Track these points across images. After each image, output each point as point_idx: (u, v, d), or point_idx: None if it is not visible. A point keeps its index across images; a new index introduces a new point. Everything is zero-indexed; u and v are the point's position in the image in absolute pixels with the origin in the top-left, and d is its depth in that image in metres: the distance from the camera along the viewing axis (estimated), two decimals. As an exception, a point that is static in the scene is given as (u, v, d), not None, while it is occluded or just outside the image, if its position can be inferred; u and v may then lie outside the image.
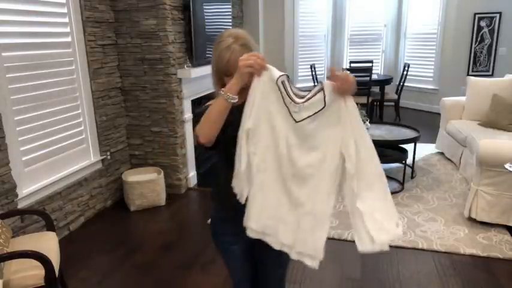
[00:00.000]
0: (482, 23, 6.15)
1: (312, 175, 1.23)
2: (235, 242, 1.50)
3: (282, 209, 1.28)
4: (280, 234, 1.29)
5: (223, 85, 1.31)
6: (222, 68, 1.31)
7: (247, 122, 1.23)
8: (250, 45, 1.33)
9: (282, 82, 1.21)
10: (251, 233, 1.31)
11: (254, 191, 1.27)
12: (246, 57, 1.20)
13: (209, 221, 1.69)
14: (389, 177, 4.03)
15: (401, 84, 6.24)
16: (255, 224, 1.29)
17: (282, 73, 1.21)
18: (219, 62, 1.32)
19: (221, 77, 1.34)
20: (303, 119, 1.21)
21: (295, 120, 1.21)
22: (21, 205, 2.69)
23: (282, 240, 1.30)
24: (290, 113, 1.22)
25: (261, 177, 1.25)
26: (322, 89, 1.18)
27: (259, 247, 1.49)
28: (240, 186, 1.28)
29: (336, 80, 1.16)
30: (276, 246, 1.31)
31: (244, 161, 1.24)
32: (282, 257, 1.50)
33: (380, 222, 1.21)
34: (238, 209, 1.38)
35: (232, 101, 1.23)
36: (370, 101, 5.73)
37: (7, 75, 2.59)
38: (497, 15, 6.03)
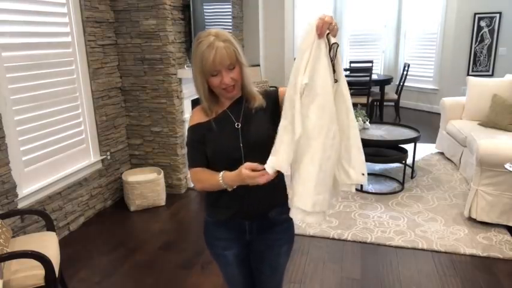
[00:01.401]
0: (482, 23, 6.15)
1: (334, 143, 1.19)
2: (229, 247, 1.46)
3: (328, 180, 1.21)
4: (326, 207, 1.22)
5: (209, 87, 1.30)
6: (208, 68, 1.25)
7: (303, 77, 1.11)
8: (233, 41, 1.28)
9: (334, 47, 1.13)
10: (308, 218, 1.20)
11: (305, 163, 1.16)
12: (250, 175, 1.18)
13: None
14: (390, 177, 4.03)
15: (401, 84, 6.24)
16: (311, 205, 1.17)
17: (336, 41, 1.13)
18: (204, 62, 1.25)
19: (206, 78, 1.28)
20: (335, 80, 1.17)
21: (336, 80, 1.17)
22: (21, 205, 2.69)
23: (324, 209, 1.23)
24: (333, 74, 1.15)
25: (311, 144, 1.14)
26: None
27: (255, 254, 1.47)
28: (288, 158, 1.16)
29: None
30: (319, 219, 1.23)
31: (300, 125, 1.12)
32: (279, 263, 1.49)
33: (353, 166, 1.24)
34: (233, 213, 1.38)
35: (229, 189, 1.27)
36: (370, 101, 5.73)
37: (7, 75, 2.59)
38: (497, 15, 6.03)
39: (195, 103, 3.99)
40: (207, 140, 1.34)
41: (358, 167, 1.22)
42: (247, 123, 1.34)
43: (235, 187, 1.26)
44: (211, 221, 1.47)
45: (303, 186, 1.17)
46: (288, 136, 1.15)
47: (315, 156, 1.14)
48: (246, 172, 1.18)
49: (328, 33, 1.11)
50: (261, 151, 1.23)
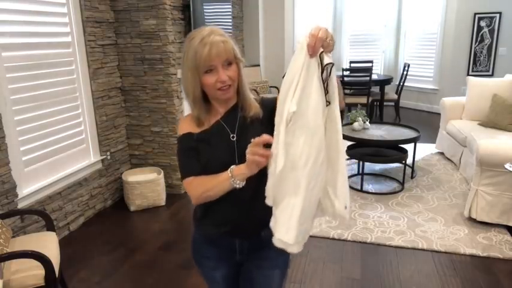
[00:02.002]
0: (482, 23, 6.15)
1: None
2: (218, 267, 1.37)
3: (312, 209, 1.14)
4: (308, 234, 1.17)
5: (201, 87, 1.18)
6: (202, 63, 1.13)
7: (290, 104, 1.02)
8: (229, 38, 1.18)
9: (327, 68, 1.02)
10: (290, 248, 1.10)
11: (289, 194, 1.07)
12: (253, 151, 1.05)
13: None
14: (390, 177, 4.03)
15: (401, 84, 6.24)
16: (294, 238, 1.08)
17: (330, 61, 1.01)
18: (198, 56, 1.12)
19: (199, 77, 1.16)
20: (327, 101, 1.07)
21: (328, 102, 1.06)
22: (21, 205, 2.69)
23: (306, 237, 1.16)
24: (325, 96, 1.05)
25: (297, 175, 1.05)
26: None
27: (245, 276, 1.38)
28: (273, 190, 1.10)
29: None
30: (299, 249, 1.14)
31: (282, 159, 1.04)
32: (272, 284, 1.36)
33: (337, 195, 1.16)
34: (224, 230, 1.29)
35: (238, 186, 1.12)
36: (370, 101, 5.73)
37: (7, 75, 2.59)
38: (497, 15, 6.03)
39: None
40: (198, 153, 1.23)
41: (342, 198, 1.14)
42: (243, 135, 1.21)
43: (244, 183, 1.13)
44: (200, 238, 1.38)
45: (286, 218, 1.08)
46: (271, 167, 1.07)
47: (300, 187, 1.05)
48: (252, 149, 1.05)
49: (321, 52, 0.99)
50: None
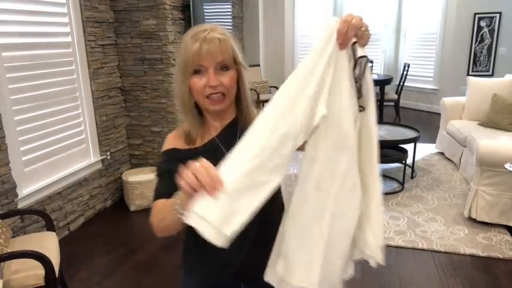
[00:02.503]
0: (482, 23, 6.15)
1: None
2: None
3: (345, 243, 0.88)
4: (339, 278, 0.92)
5: (189, 91, 0.97)
6: (189, 62, 0.94)
7: (320, 106, 0.78)
8: (231, 38, 0.99)
9: (361, 63, 0.81)
10: None
11: (307, 225, 0.84)
12: (185, 174, 0.74)
13: None
14: (390, 177, 4.03)
15: (401, 84, 6.24)
16: (317, 284, 0.84)
17: (365, 54, 0.80)
18: (187, 51, 0.94)
19: (186, 76, 0.96)
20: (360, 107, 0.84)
21: (362, 107, 0.84)
22: (21, 205, 2.69)
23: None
24: (358, 101, 0.83)
25: (320, 200, 0.83)
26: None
27: None
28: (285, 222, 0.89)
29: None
30: None
31: (307, 172, 0.83)
32: None
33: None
34: (219, 271, 1.06)
35: (180, 216, 0.80)
36: (370, 101, 5.73)
37: (7, 75, 2.59)
38: (497, 15, 6.03)
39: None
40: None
41: (377, 233, 0.89)
42: None
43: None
44: (191, 282, 1.15)
45: (305, 258, 0.84)
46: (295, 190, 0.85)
47: (324, 215, 0.82)
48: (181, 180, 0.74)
49: (354, 42, 0.79)
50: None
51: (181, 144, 1.03)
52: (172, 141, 1.05)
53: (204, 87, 0.95)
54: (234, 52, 0.98)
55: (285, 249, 0.86)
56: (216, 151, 1.00)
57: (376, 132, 0.86)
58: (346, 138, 0.81)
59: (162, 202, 0.91)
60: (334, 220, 0.83)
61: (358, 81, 0.82)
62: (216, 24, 1.00)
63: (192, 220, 0.73)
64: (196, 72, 0.95)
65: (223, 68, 0.96)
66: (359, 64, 0.80)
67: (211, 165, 0.73)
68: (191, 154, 0.92)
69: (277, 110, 0.79)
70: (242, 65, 1.00)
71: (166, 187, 0.92)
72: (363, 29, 0.79)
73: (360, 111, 0.83)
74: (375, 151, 0.87)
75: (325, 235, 0.83)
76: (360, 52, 0.79)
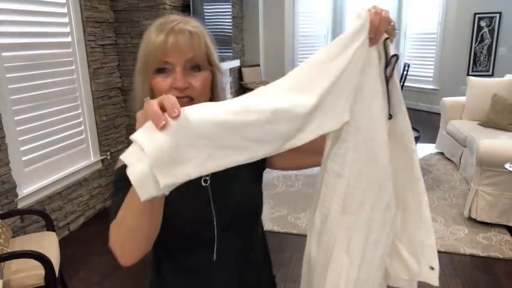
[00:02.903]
0: (482, 23, 6.15)
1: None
2: None
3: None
4: None
5: (152, 93, 0.78)
6: (152, 57, 0.77)
7: (343, 111, 0.66)
8: (206, 34, 0.82)
9: (392, 63, 0.70)
10: None
11: (335, 253, 0.72)
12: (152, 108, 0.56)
13: None
14: (389, 177, 4.03)
15: (401, 84, 6.23)
16: None
17: (395, 53, 0.70)
18: (148, 48, 0.78)
19: (148, 75, 0.79)
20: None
21: (390, 115, 0.72)
22: (21, 205, 2.68)
23: None
24: (389, 105, 0.72)
25: (349, 224, 0.71)
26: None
27: None
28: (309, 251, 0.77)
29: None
30: None
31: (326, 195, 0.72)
32: None
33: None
34: None
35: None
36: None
37: (7, 75, 2.59)
38: (497, 15, 6.03)
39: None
40: None
41: (423, 255, 0.77)
42: (221, 178, 0.80)
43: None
44: None
45: None
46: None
47: (352, 242, 0.70)
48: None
49: (386, 38, 0.70)
50: (247, 226, 0.85)
51: None
52: None
53: (169, 88, 0.76)
54: (208, 50, 0.80)
55: (309, 283, 0.75)
56: None
57: (412, 139, 0.74)
58: (381, 149, 0.70)
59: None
60: (366, 249, 0.71)
61: (388, 82, 0.71)
62: (189, 17, 0.83)
63: (128, 153, 0.56)
64: (160, 70, 0.77)
65: (194, 67, 0.78)
66: (390, 64, 0.70)
67: (174, 98, 0.55)
68: None
69: (285, 84, 0.65)
70: (217, 67, 0.82)
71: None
72: (392, 24, 0.69)
73: (389, 119, 0.71)
74: (413, 159, 0.75)
75: (354, 268, 0.70)
76: (391, 50, 0.70)
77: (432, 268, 0.76)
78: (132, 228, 0.67)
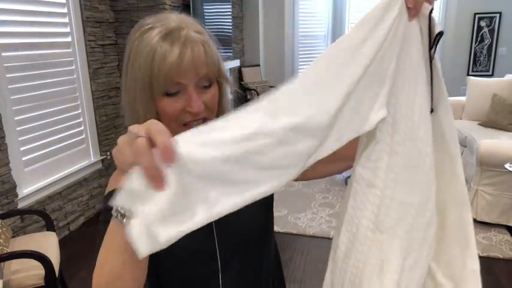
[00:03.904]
0: (482, 23, 6.15)
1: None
2: None
3: None
4: None
5: (156, 114, 0.67)
6: (162, 78, 0.64)
7: (378, 103, 0.53)
8: (212, 39, 0.71)
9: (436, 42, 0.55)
10: None
11: (367, 276, 0.58)
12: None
13: None
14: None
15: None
16: None
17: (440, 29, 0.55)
18: (157, 65, 0.63)
19: (154, 96, 0.66)
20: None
21: (432, 109, 0.58)
22: (21, 205, 2.68)
23: None
24: (431, 97, 0.58)
25: (383, 244, 0.57)
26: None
27: None
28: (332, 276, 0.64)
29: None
30: None
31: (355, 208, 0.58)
32: None
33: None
34: None
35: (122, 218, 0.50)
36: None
37: (7, 75, 2.59)
38: (497, 15, 6.03)
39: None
40: None
41: (464, 281, 0.64)
42: None
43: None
44: None
45: None
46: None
47: (386, 267, 0.57)
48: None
49: (431, 10, 0.54)
50: (253, 254, 0.75)
51: None
52: (121, 178, 0.68)
53: (180, 111, 0.66)
54: (219, 61, 0.70)
55: None
56: None
57: (457, 143, 0.60)
58: (424, 152, 0.56)
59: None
60: (402, 275, 0.57)
61: (432, 66, 0.56)
62: (184, 15, 0.72)
63: (118, 201, 0.46)
64: (171, 93, 0.65)
65: (206, 82, 0.68)
66: (436, 44, 0.55)
67: (164, 128, 0.45)
68: None
69: (298, 87, 0.52)
70: (226, 77, 0.72)
71: None
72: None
73: (430, 112, 0.57)
74: (457, 171, 0.60)
75: None
76: (437, 27, 0.55)
77: None
78: (113, 275, 0.56)
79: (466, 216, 0.65)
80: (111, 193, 0.66)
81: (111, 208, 0.60)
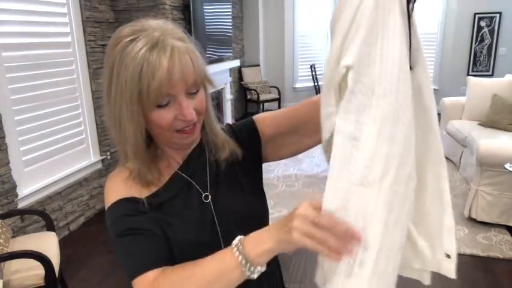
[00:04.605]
0: (482, 23, 6.15)
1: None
2: None
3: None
4: None
5: (147, 126, 0.70)
6: (153, 92, 0.64)
7: (345, 53, 0.55)
8: (189, 40, 0.71)
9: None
10: None
11: None
12: (306, 223, 0.54)
13: None
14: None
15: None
16: None
17: None
18: (149, 77, 0.64)
19: (145, 109, 0.67)
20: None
21: (411, 67, 0.60)
22: (21, 205, 2.68)
23: None
24: (410, 51, 0.59)
25: (369, 197, 0.56)
26: None
27: None
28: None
29: None
30: None
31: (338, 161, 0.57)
32: None
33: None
34: None
35: (254, 276, 0.59)
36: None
37: (7, 75, 2.59)
38: (497, 15, 6.03)
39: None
40: (153, 233, 0.71)
41: (439, 239, 0.65)
42: (221, 190, 0.77)
43: (265, 268, 0.60)
44: None
45: (348, 268, 0.57)
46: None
47: (370, 224, 0.56)
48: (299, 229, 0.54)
49: None
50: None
51: (134, 191, 0.73)
52: (119, 189, 0.74)
53: (173, 120, 0.68)
54: (204, 67, 0.72)
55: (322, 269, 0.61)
56: (189, 190, 0.76)
57: (433, 99, 0.62)
58: (404, 106, 0.56)
59: (187, 267, 0.63)
60: (387, 231, 0.56)
61: (410, 22, 0.57)
62: (162, 20, 0.71)
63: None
64: (162, 104, 0.67)
65: (194, 89, 0.70)
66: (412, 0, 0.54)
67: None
68: (156, 200, 0.72)
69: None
70: (210, 80, 0.74)
71: (150, 248, 0.66)
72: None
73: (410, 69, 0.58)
74: (433, 127, 0.62)
75: (372, 254, 0.56)
76: None
77: (448, 256, 0.65)
78: None
79: (441, 171, 0.65)
80: (120, 204, 0.72)
81: (126, 225, 0.69)
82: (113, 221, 0.71)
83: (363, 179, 0.55)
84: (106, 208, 0.74)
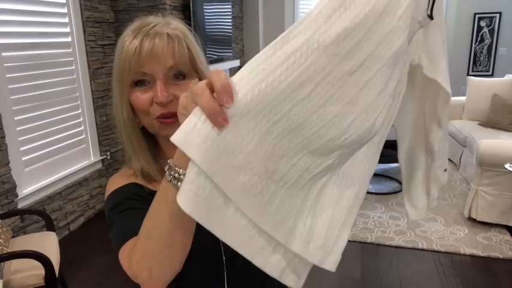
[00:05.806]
0: (482, 23, 6.15)
1: None
2: None
3: None
4: None
5: (131, 110, 0.71)
6: (127, 67, 0.66)
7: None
8: (191, 37, 0.71)
9: None
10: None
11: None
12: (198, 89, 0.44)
13: None
14: (390, 177, 4.03)
15: (401, 84, 6.24)
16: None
17: None
18: (122, 58, 0.67)
19: (124, 89, 0.69)
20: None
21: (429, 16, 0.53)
22: (21, 205, 2.69)
23: None
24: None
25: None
26: None
27: None
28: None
29: None
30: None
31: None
32: None
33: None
34: None
35: (179, 181, 0.50)
36: (370, 101, 5.73)
37: (7, 75, 2.59)
38: (497, 15, 6.03)
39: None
40: None
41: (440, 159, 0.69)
42: None
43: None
44: None
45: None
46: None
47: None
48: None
49: None
50: None
51: (139, 181, 0.74)
52: (122, 180, 0.74)
53: (150, 104, 0.68)
54: (192, 53, 0.69)
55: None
56: None
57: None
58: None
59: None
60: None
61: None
62: (171, 18, 0.72)
63: (175, 139, 0.42)
64: (139, 83, 0.68)
65: (178, 75, 0.68)
66: None
67: (224, 73, 0.43)
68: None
69: None
70: (203, 70, 0.71)
71: (138, 222, 0.56)
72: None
73: (430, 18, 0.51)
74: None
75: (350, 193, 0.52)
76: None
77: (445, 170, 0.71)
78: (162, 243, 0.53)
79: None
80: (124, 187, 0.73)
81: (126, 198, 0.69)
82: (111, 207, 0.71)
83: (352, 69, 0.46)
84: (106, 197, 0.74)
